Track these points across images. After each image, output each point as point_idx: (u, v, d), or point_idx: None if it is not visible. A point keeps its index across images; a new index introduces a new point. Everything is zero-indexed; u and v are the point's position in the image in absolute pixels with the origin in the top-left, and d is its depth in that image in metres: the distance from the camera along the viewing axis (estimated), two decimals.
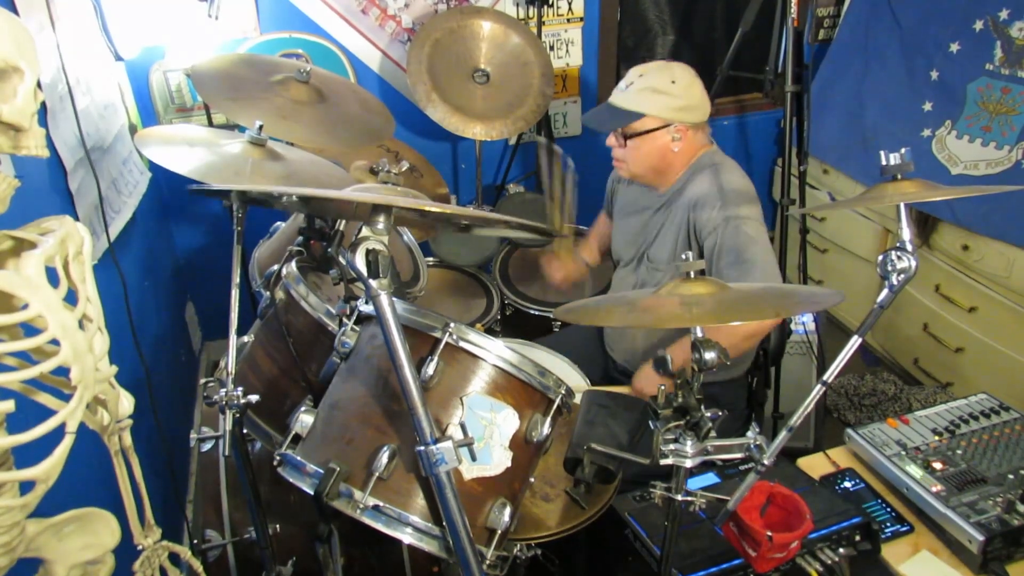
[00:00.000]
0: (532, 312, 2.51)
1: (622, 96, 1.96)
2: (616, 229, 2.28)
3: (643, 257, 2.13)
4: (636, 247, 2.16)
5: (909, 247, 1.11)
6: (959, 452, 1.69)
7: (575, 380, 2.04)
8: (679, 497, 1.22)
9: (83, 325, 0.84)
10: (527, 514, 1.42)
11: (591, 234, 2.56)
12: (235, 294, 1.34)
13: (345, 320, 1.32)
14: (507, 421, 1.25)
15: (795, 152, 2.69)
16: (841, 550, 1.54)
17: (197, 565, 1.27)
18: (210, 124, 2.67)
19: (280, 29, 2.85)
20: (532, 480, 1.36)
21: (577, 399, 1.41)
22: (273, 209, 1.46)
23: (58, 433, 0.78)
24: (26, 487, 0.80)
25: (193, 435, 1.39)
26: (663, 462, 1.17)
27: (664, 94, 1.90)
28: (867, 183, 3.03)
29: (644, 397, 1.90)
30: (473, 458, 1.19)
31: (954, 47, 2.77)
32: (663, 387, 1.17)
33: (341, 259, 1.20)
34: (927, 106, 2.85)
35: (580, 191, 3.28)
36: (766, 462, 1.17)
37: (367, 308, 1.30)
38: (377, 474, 1.15)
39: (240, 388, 1.27)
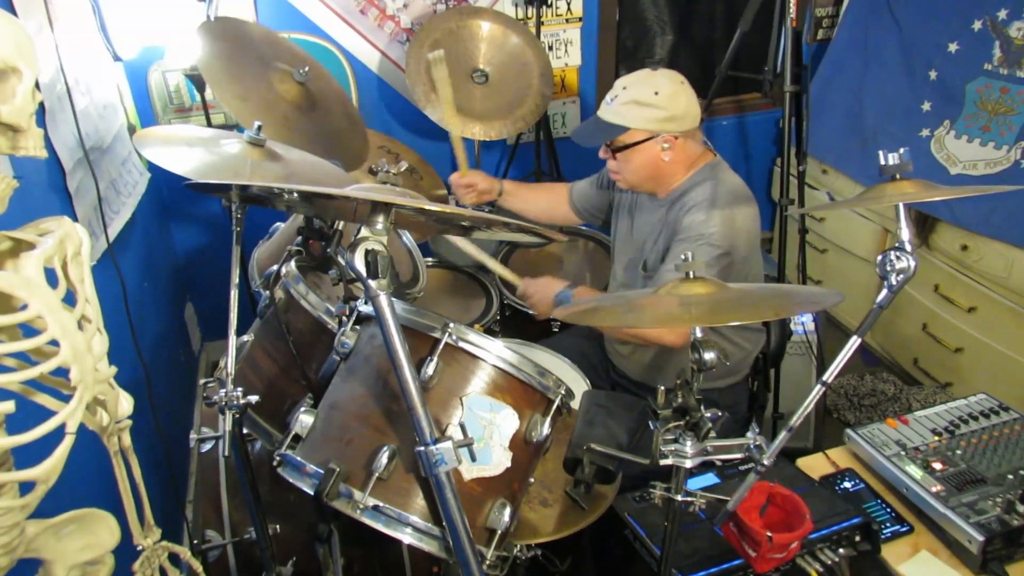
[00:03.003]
0: (532, 313, 2.50)
1: (608, 110, 1.94)
2: (614, 226, 2.28)
3: (642, 265, 2.11)
4: (633, 250, 2.15)
5: (908, 247, 1.11)
6: (959, 452, 1.69)
7: (575, 381, 2.03)
8: (679, 497, 1.22)
9: (82, 326, 0.84)
10: (525, 519, 1.42)
11: (534, 187, 2.62)
12: (234, 294, 1.33)
13: (345, 320, 1.32)
14: (507, 421, 1.25)
15: (794, 152, 2.70)
16: (841, 550, 1.54)
17: (197, 565, 1.27)
18: (209, 124, 2.67)
19: (279, 29, 2.84)
20: (532, 481, 1.36)
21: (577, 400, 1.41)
22: (272, 209, 1.46)
23: (58, 434, 0.78)
24: (26, 488, 0.80)
25: (193, 435, 1.39)
26: (663, 462, 1.17)
27: (647, 106, 1.88)
28: (866, 183, 3.04)
29: (528, 300, 2.07)
30: (473, 458, 1.19)
31: (953, 47, 2.77)
32: (663, 388, 1.17)
33: (340, 259, 1.20)
34: (926, 106, 2.85)
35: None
36: (766, 462, 1.17)
37: (366, 308, 1.30)
38: (377, 474, 1.15)
39: (240, 388, 1.27)
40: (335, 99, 2.18)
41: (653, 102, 1.88)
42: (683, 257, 1.20)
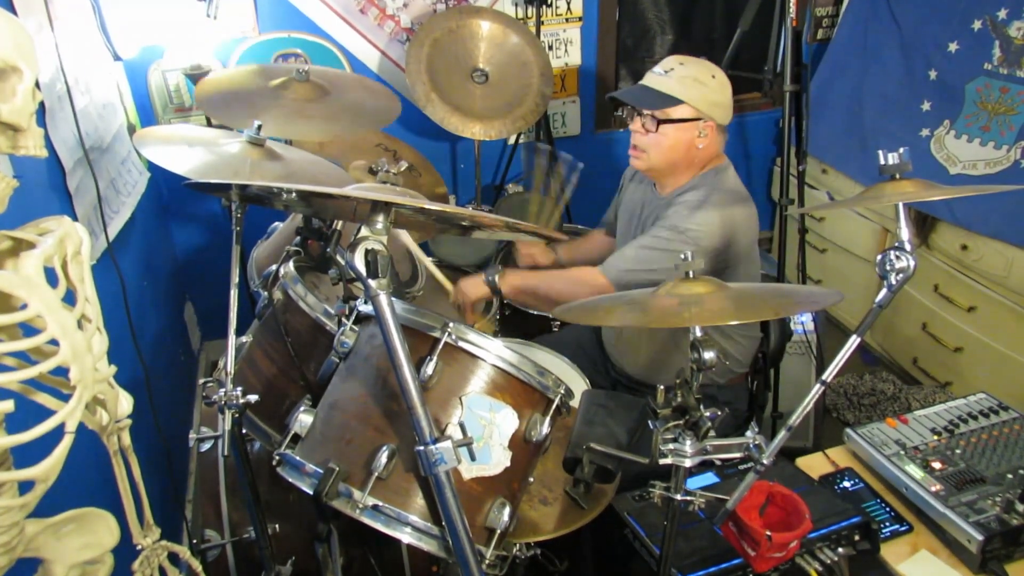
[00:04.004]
0: (531, 312, 2.50)
1: (662, 80, 1.92)
2: (618, 229, 2.28)
3: None
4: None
5: (908, 247, 1.11)
6: (958, 452, 1.69)
7: (575, 380, 2.03)
8: (678, 497, 1.22)
9: (82, 325, 0.84)
10: (525, 517, 1.42)
11: (581, 239, 2.56)
12: (234, 294, 1.34)
13: (344, 320, 1.32)
14: (506, 421, 1.25)
15: (794, 152, 2.69)
16: (840, 550, 1.54)
17: (196, 565, 1.26)
18: (209, 124, 2.67)
19: (278, 29, 2.85)
20: (531, 480, 1.36)
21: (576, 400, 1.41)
22: (271, 209, 1.46)
23: (57, 433, 0.78)
24: (25, 487, 0.80)
25: (192, 435, 1.39)
26: (662, 462, 1.17)
27: (705, 86, 1.89)
28: (866, 183, 3.03)
29: (463, 298, 2.02)
30: (472, 458, 1.19)
31: (953, 47, 2.77)
32: (662, 387, 1.17)
33: (340, 259, 1.20)
34: (926, 106, 2.85)
35: (579, 192, 3.29)
36: (765, 462, 1.17)
37: (366, 308, 1.30)
38: (376, 474, 1.15)
39: (239, 388, 1.27)
40: (340, 78, 2.19)
41: (710, 84, 1.90)
42: (683, 256, 1.20)
